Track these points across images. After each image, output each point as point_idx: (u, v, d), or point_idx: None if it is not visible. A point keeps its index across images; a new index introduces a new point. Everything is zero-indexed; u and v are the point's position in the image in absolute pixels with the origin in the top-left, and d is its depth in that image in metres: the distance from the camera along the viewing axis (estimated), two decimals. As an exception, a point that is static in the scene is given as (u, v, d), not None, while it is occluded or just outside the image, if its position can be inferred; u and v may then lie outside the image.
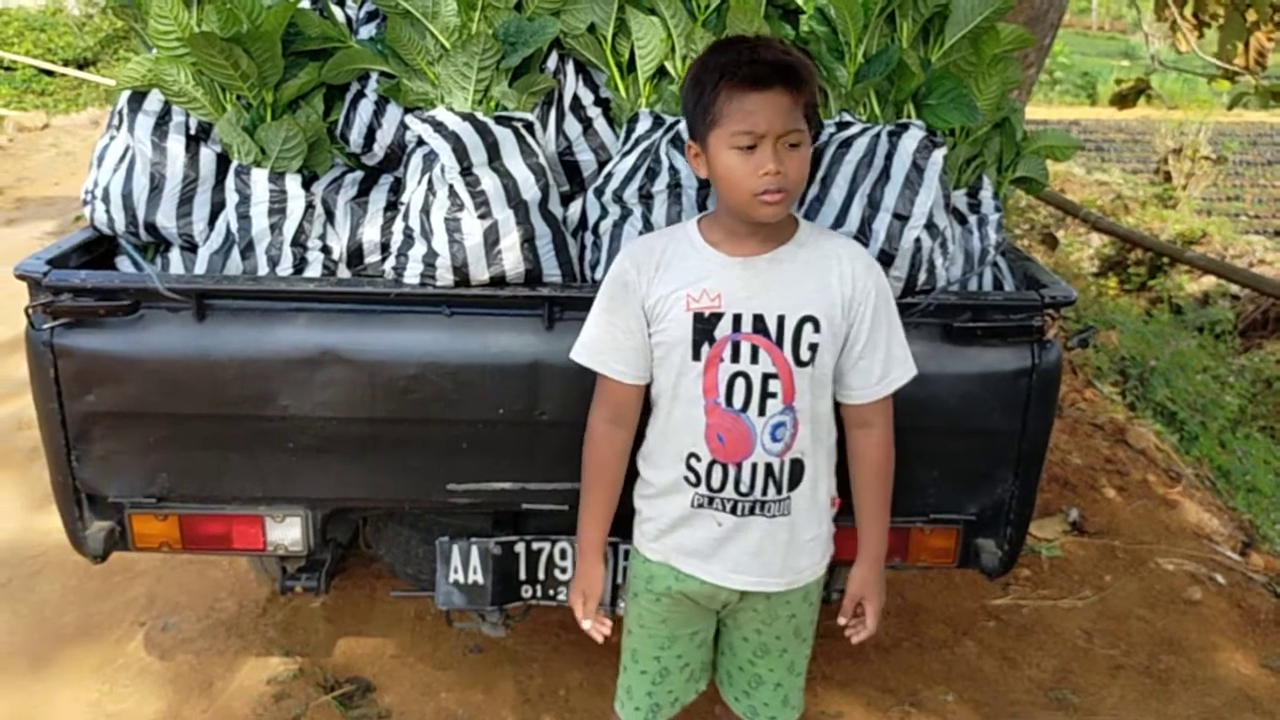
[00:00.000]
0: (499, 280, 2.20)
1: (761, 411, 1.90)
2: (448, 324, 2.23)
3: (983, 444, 2.32)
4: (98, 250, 2.49)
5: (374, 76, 2.42)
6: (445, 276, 2.18)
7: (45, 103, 13.96)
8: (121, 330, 2.20)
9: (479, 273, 2.18)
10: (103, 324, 2.20)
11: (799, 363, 1.89)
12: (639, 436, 2.06)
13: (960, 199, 2.52)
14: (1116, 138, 15.22)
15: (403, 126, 2.36)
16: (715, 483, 1.94)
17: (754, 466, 1.92)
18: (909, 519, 2.40)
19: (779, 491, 1.95)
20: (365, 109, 2.41)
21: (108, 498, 2.35)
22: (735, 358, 1.88)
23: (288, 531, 2.39)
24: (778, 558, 1.99)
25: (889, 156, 2.22)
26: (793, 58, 1.80)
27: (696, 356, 1.89)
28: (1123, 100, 7.86)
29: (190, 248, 2.44)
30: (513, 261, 2.19)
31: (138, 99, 2.43)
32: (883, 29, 2.36)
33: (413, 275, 2.21)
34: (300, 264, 2.32)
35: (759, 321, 1.88)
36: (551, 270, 2.24)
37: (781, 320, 1.88)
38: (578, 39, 2.41)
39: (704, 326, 1.88)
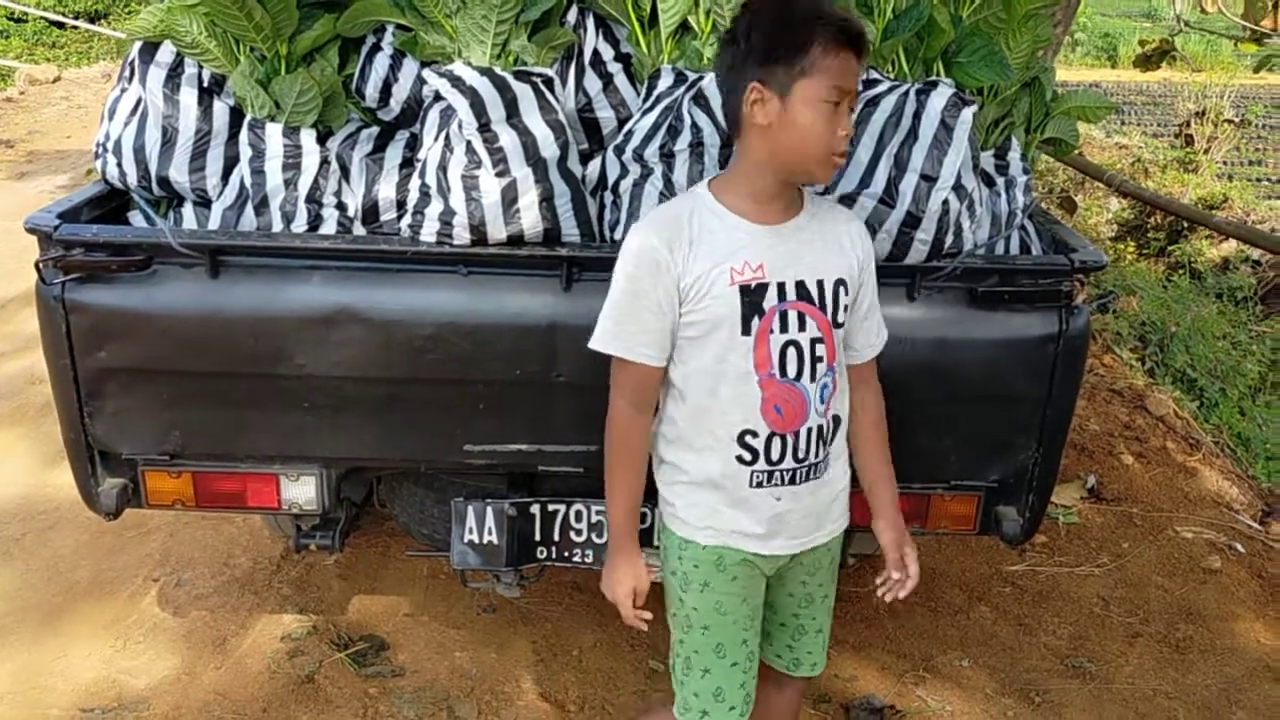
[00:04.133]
0: (517, 239, 2.16)
1: (813, 377, 1.87)
2: (464, 283, 2.20)
3: (1007, 411, 2.29)
4: (110, 205, 2.45)
5: (390, 29, 2.36)
6: (462, 235, 2.14)
7: (56, 55, 13.90)
8: (134, 286, 2.17)
9: (496, 231, 2.14)
10: (115, 279, 2.17)
11: (836, 325, 1.89)
12: (659, 421, 1.98)
13: (988, 160, 2.47)
14: (1137, 100, 15.02)
15: (419, 81, 2.31)
16: (775, 455, 1.89)
17: (809, 431, 1.90)
18: (930, 485, 2.37)
19: (822, 451, 1.93)
20: (381, 63, 2.36)
21: (121, 454, 2.33)
22: (784, 327, 1.84)
23: (302, 490, 2.38)
24: (824, 513, 1.99)
25: (917, 115, 2.16)
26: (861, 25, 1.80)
27: (747, 331, 1.83)
28: (1146, 62, 7.71)
29: (203, 203, 2.41)
30: (531, 220, 2.15)
31: (149, 50, 2.39)
32: (912, -16, 2.30)
33: (429, 233, 2.17)
34: (315, 220, 2.28)
35: (801, 288, 1.85)
36: (570, 230, 2.20)
37: (821, 284, 1.86)
38: (599, -8, 2.35)
39: (752, 299, 1.82)
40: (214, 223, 2.33)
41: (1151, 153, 11.70)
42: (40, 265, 2.16)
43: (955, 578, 3.43)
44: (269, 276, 2.19)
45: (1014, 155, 2.50)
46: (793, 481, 1.91)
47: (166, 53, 2.38)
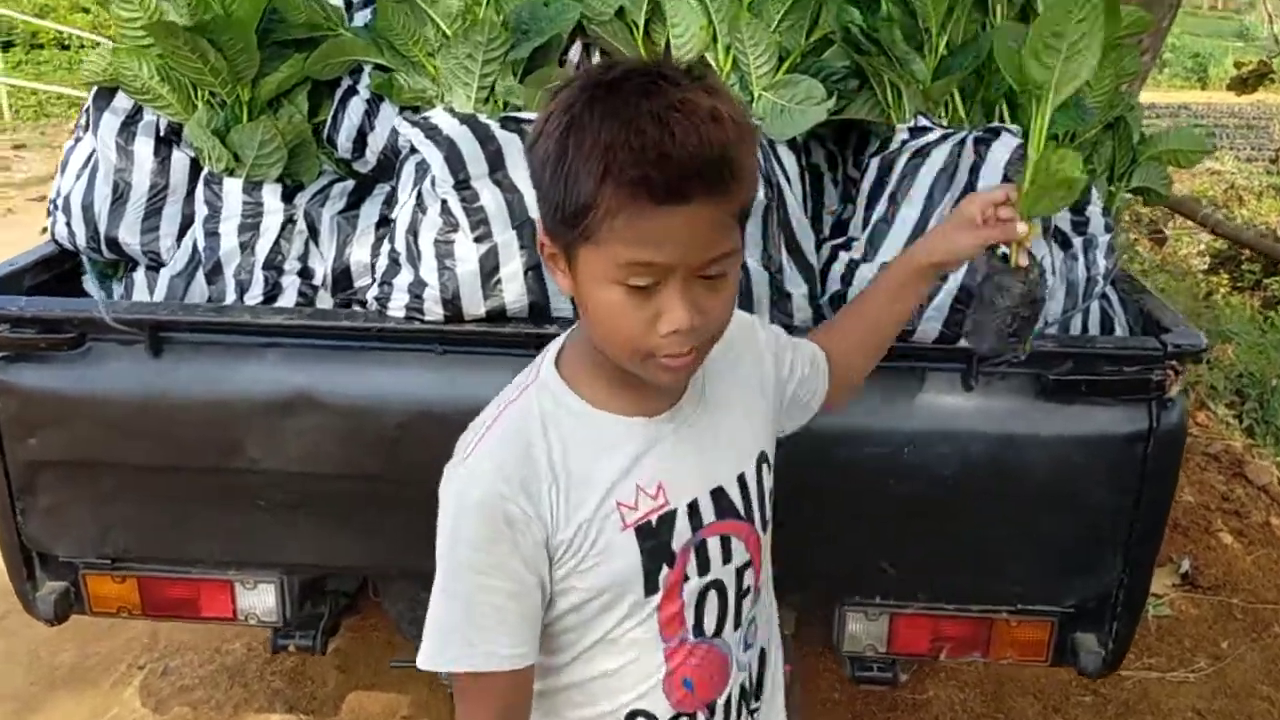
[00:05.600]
0: (498, 315, 1.85)
1: (738, 622, 1.29)
2: (440, 364, 1.89)
3: (1085, 523, 1.90)
4: (61, 268, 2.20)
5: (367, 70, 2.08)
6: (434, 310, 1.83)
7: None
8: (66, 366, 1.91)
9: (473, 306, 1.83)
10: (46, 358, 1.91)
11: (765, 526, 1.33)
12: None
13: (1064, 216, 2.09)
14: (1229, 123, 14.32)
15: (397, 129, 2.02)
16: None
17: (729, 696, 1.32)
18: (993, 608, 1.99)
19: (750, 705, 1.36)
20: (356, 108, 2.08)
21: (58, 557, 2.06)
22: (704, 568, 1.25)
23: (260, 599, 2.08)
24: None
25: (974, 170, 1.81)
26: (725, 137, 1.04)
27: (653, 589, 1.22)
28: (1243, 85, 7.32)
29: (159, 267, 2.13)
30: (514, 293, 1.84)
31: (106, 95, 2.14)
32: (971, 13, 1.95)
33: (397, 307, 1.86)
34: (273, 290, 2.00)
35: (720, 499, 1.25)
36: (561, 304, 1.88)
37: (743, 480, 1.28)
38: (604, 25, 2.05)
39: (656, 543, 1.21)
40: (159, 293, 2.06)
41: (1246, 178, 11.10)
42: (-37, 342, 1.90)
43: (1027, 684, 3.02)
44: (218, 355, 1.90)
45: (1094, 210, 2.12)
46: None
47: (125, 98, 2.12)
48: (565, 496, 1.17)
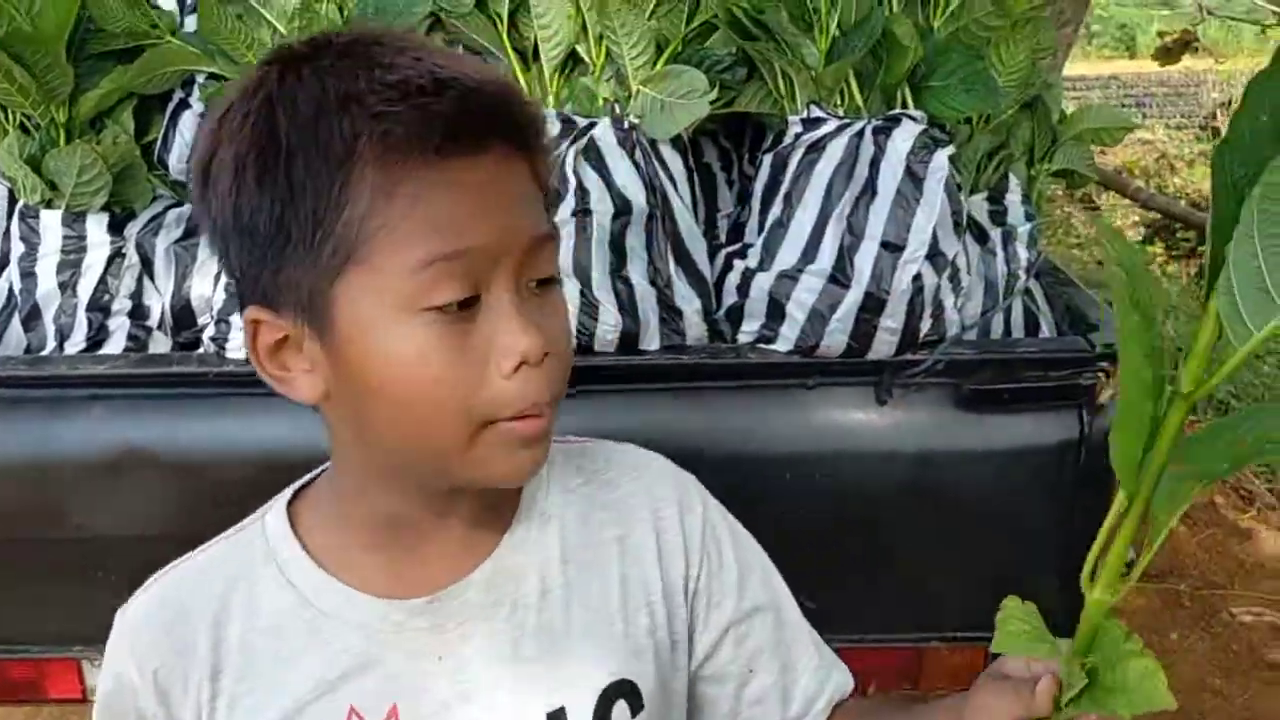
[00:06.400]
0: (350, 351, 1.64)
1: None
2: (290, 410, 1.66)
3: (1015, 541, 1.74)
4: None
5: (199, 80, 1.86)
6: (276, 349, 1.62)
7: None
8: None
9: (320, 344, 1.62)
10: None
11: None
12: None
13: (980, 206, 1.93)
14: (1158, 92, 14.35)
15: (234, 145, 1.80)
16: None
17: None
18: (922, 637, 1.83)
19: None
20: (188, 123, 1.85)
21: (-125, 642, 1.83)
22: None
23: (111, 677, 1.86)
24: None
25: (875, 163, 1.63)
26: (509, 83, 0.82)
27: None
28: (1167, 54, 7.28)
29: (-25, 313, 1.90)
30: (368, 325, 1.63)
31: (-90, 122, 1.89)
32: (866, -12, 1.77)
33: (236, 348, 1.65)
34: (99, 334, 1.77)
35: None
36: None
37: (558, 718, 0.85)
38: (463, 19, 1.83)
39: None
40: (-31, 343, 1.83)
41: (1176, 147, 11.12)
42: None
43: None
44: (36, 411, 1.68)
45: (1013, 198, 1.96)
46: None
47: (-68, 123, 1.88)
48: (229, 706, 0.83)
